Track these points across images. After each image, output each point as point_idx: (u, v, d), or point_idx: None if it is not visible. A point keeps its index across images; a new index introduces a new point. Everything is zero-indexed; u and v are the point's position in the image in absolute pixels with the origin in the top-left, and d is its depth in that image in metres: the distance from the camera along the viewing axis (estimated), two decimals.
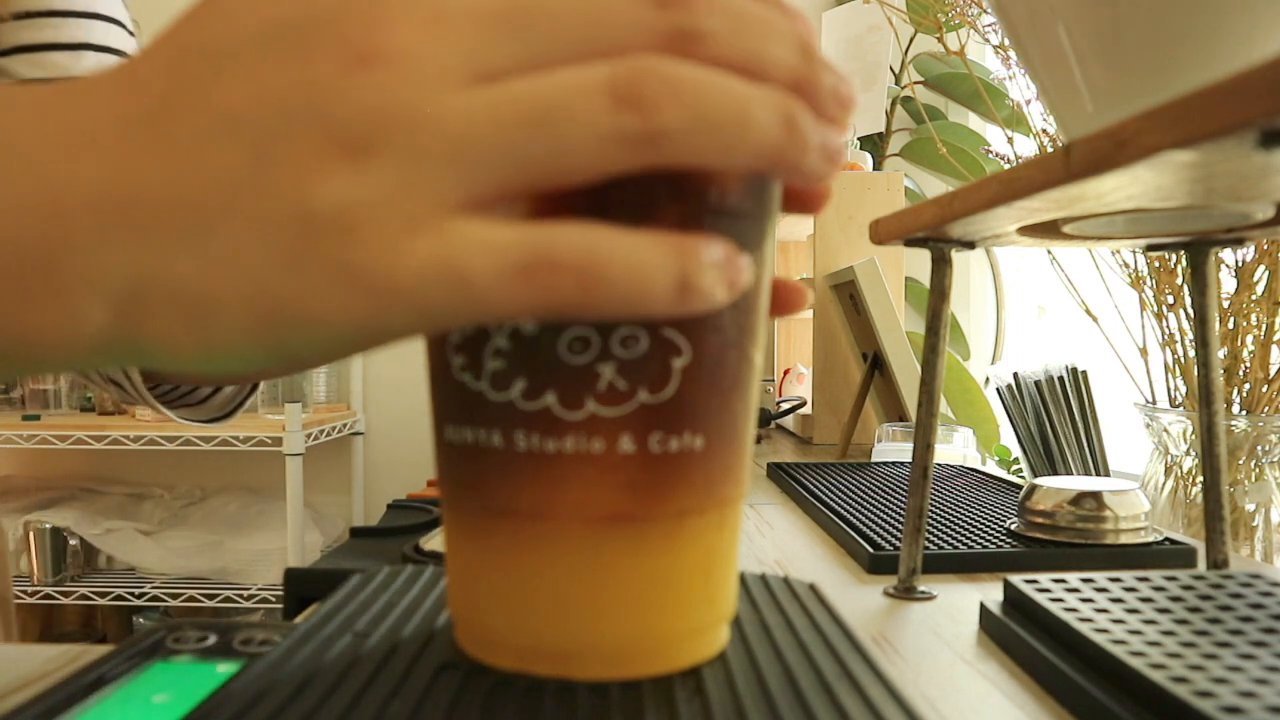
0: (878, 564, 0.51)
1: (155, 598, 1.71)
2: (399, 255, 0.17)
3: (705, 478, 0.23)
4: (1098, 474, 0.96)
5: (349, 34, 0.17)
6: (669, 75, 0.17)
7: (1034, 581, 0.39)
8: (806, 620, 0.29)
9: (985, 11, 0.87)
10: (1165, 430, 0.74)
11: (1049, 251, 0.87)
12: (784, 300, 0.25)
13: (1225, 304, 0.70)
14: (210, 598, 1.71)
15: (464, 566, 0.24)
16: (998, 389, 1.02)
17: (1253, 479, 0.68)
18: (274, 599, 1.73)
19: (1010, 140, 0.92)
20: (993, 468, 1.01)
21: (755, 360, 0.24)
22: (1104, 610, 0.35)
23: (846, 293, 1.13)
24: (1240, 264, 0.70)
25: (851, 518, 0.60)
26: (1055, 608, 0.36)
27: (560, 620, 0.23)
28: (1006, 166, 0.78)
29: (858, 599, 0.46)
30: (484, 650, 0.24)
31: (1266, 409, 0.69)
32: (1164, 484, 0.74)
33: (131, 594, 1.71)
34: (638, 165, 0.17)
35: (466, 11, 0.18)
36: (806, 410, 1.26)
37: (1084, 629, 0.33)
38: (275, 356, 0.18)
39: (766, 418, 1.07)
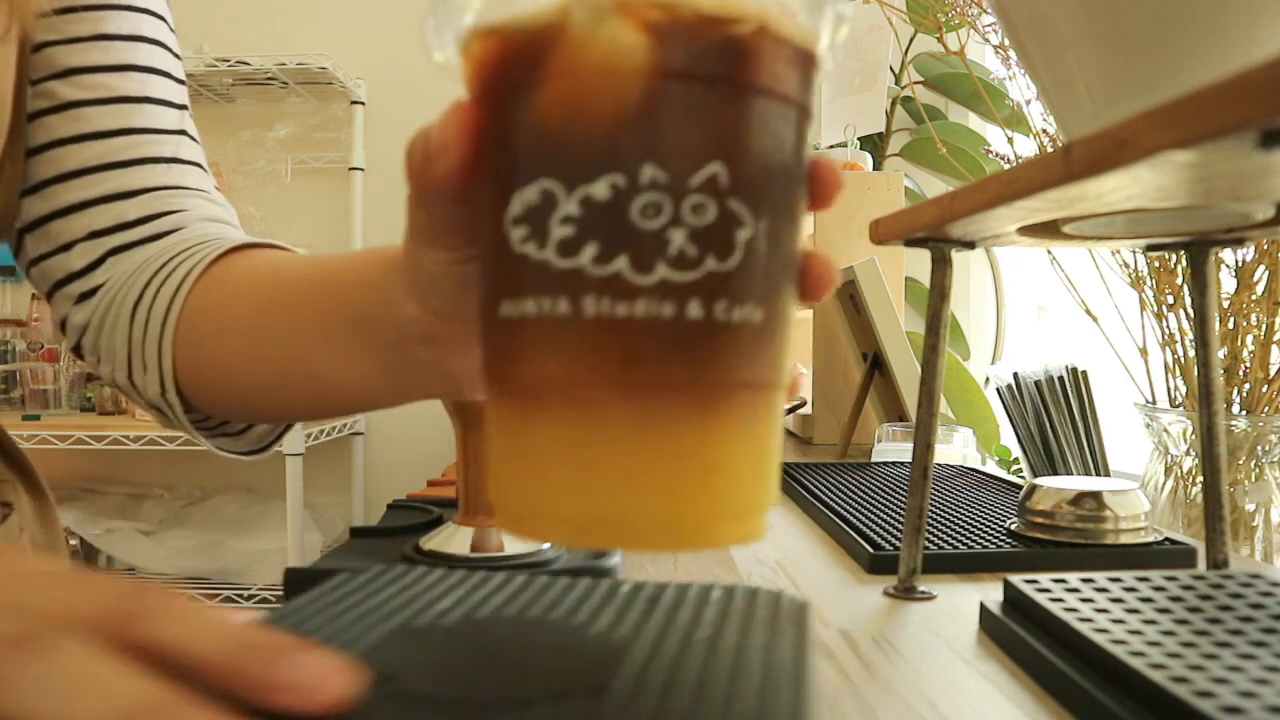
0: (878, 564, 0.51)
1: None
2: None
3: (763, 352, 0.24)
4: (1098, 474, 0.96)
5: None
6: None
7: (1034, 581, 0.39)
8: (762, 652, 0.27)
9: (985, 11, 0.87)
10: (1165, 430, 0.74)
11: (1049, 251, 0.87)
12: (813, 281, 0.26)
13: (1225, 304, 0.70)
14: (210, 598, 1.71)
15: (517, 447, 0.24)
16: (998, 389, 1.02)
17: (1253, 479, 0.68)
18: (274, 599, 1.73)
19: (1010, 140, 0.92)
20: (993, 468, 1.01)
21: (798, 250, 0.25)
22: (1104, 610, 0.35)
23: (846, 293, 1.13)
24: (1240, 264, 0.70)
25: (851, 518, 0.60)
26: (1055, 608, 0.36)
27: (624, 491, 0.23)
28: (1006, 166, 0.78)
29: (858, 599, 0.46)
30: (539, 527, 0.24)
31: (1266, 409, 0.69)
32: (1164, 484, 0.74)
33: None
34: None
35: None
36: (806, 410, 1.26)
37: (1084, 629, 0.33)
38: None
39: None
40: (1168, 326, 0.76)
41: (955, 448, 0.88)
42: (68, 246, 0.49)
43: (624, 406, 0.22)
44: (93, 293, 0.49)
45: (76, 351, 0.51)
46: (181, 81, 0.54)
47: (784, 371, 0.25)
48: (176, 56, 0.55)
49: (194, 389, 0.46)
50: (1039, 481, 0.55)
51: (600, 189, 0.22)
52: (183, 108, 0.54)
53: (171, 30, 0.55)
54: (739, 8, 0.22)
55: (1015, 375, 1.00)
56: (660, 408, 0.23)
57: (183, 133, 0.53)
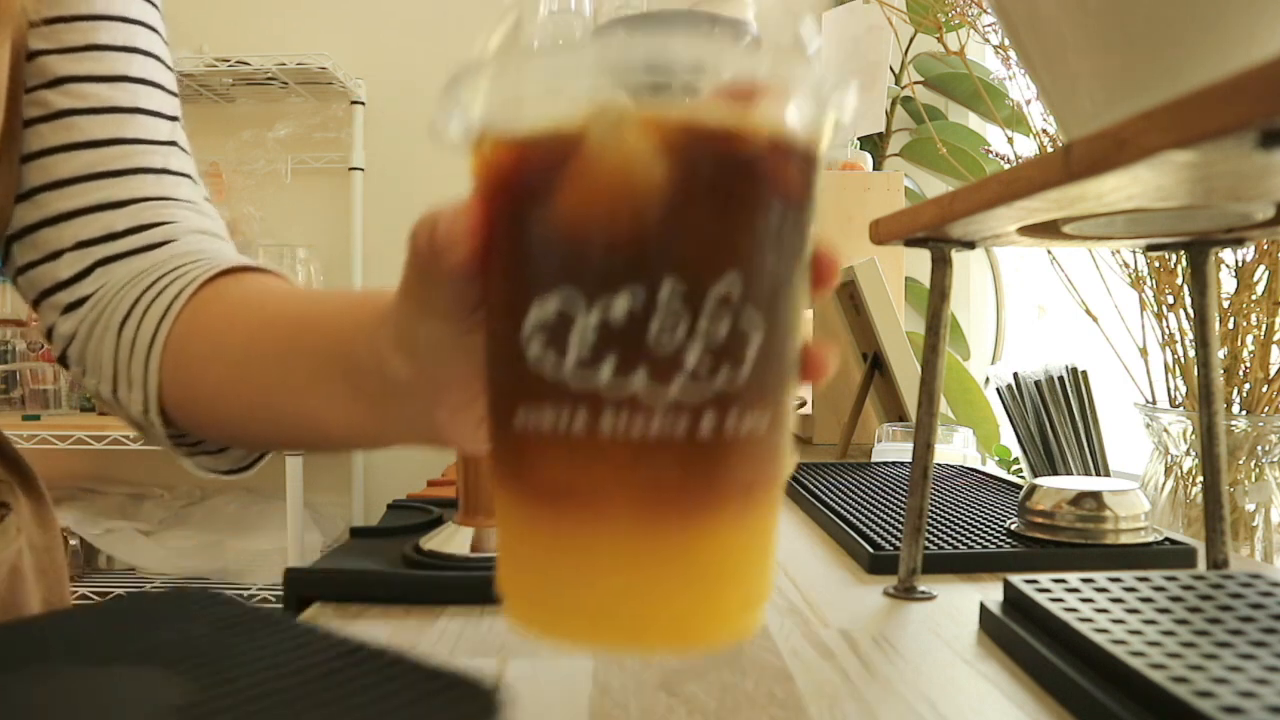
0: (878, 564, 0.51)
1: None
2: None
3: (768, 453, 0.24)
4: (1098, 474, 0.96)
5: None
6: None
7: (1034, 581, 0.39)
8: None
9: (985, 11, 0.87)
10: (1165, 430, 0.74)
11: (1049, 251, 0.87)
12: (811, 369, 0.27)
13: (1225, 304, 0.70)
14: None
15: (527, 543, 0.24)
16: (998, 389, 1.02)
17: (1253, 479, 0.68)
18: (274, 599, 1.73)
19: (1010, 140, 0.92)
20: (993, 468, 1.01)
21: (799, 344, 0.25)
22: (1104, 610, 0.35)
23: (846, 293, 1.13)
24: (1240, 264, 0.70)
25: (851, 518, 0.60)
26: (1055, 608, 0.36)
27: (631, 592, 0.23)
28: (1006, 166, 0.78)
29: (858, 599, 0.46)
30: (545, 622, 0.25)
31: (1266, 409, 0.69)
32: (1164, 484, 0.74)
33: (132, 594, 1.71)
34: None
35: None
36: (806, 410, 1.26)
37: (1084, 629, 0.33)
38: None
39: None
40: (1168, 326, 0.76)
41: (955, 448, 0.88)
42: (56, 255, 0.49)
43: (635, 513, 0.23)
44: (80, 303, 0.49)
45: (62, 360, 0.51)
46: (173, 94, 0.55)
47: (785, 465, 0.25)
48: (169, 69, 0.55)
49: (179, 410, 0.46)
50: (1039, 481, 0.55)
51: (619, 305, 0.22)
52: (174, 119, 0.54)
53: (165, 43, 0.55)
54: (753, 119, 0.23)
55: (1015, 375, 1.00)
56: (671, 514, 0.23)
57: (174, 144, 0.53)
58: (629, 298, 0.22)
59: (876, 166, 1.68)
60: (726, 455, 0.23)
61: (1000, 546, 0.52)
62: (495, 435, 0.25)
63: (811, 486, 0.72)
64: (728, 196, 0.22)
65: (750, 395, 0.23)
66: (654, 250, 0.22)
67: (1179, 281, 0.74)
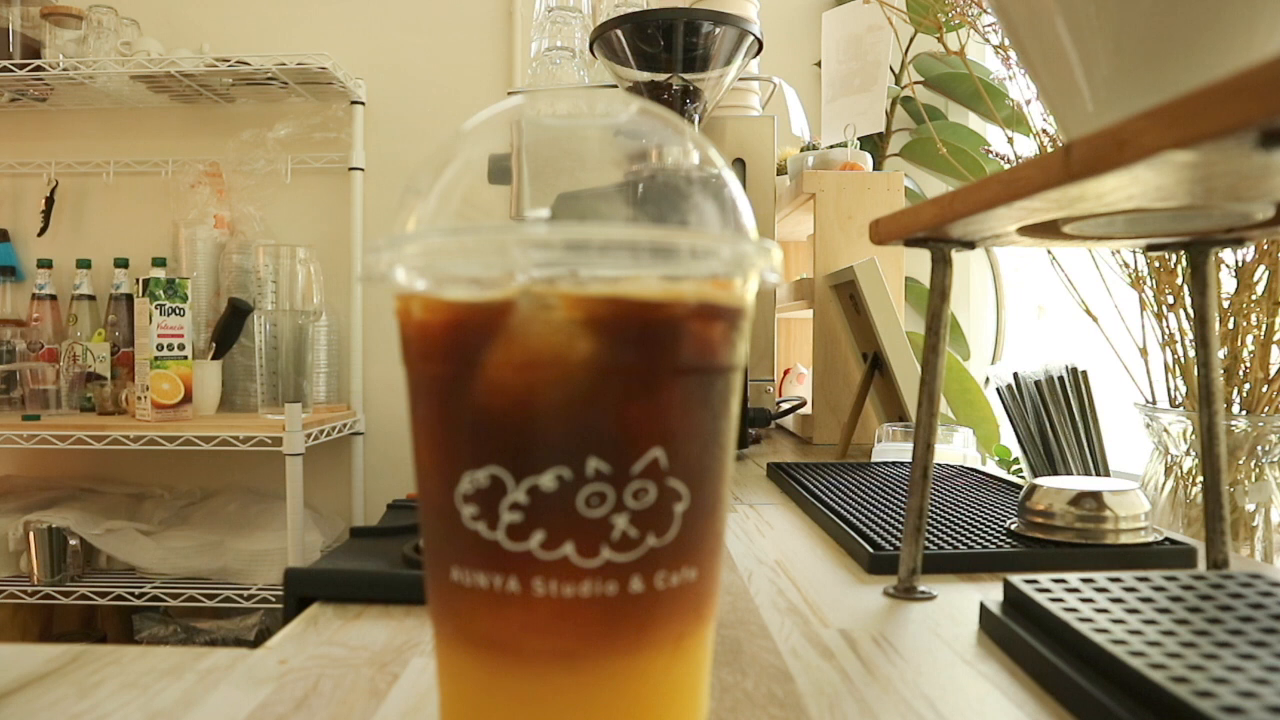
0: (878, 564, 0.51)
1: (155, 598, 1.71)
2: None
3: (697, 603, 0.25)
4: (1098, 474, 0.96)
5: None
6: None
7: (1034, 581, 0.39)
8: None
9: (985, 11, 0.87)
10: (1165, 430, 0.74)
11: (1049, 251, 0.87)
12: None
13: (1225, 304, 0.70)
14: (210, 597, 1.71)
15: (469, 694, 0.25)
16: (998, 389, 1.02)
17: (1253, 479, 0.68)
18: (274, 599, 1.73)
19: (1010, 140, 0.92)
20: (993, 468, 1.01)
21: (727, 493, 0.26)
22: (1104, 610, 0.35)
23: (846, 293, 1.13)
24: (1240, 264, 0.70)
25: (851, 518, 0.60)
26: (1055, 608, 0.36)
27: None
28: (1006, 166, 0.78)
29: (858, 599, 0.46)
30: None
31: (1266, 409, 0.69)
32: (1164, 484, 0.74)
33: (131, 594, 1.71)
34: None
35: None
36: (806, 410, 1.26)
37: (1084, 629, 0.33)
38: None
39: (766, 418, 1.07)
40: (1168, 326, 0.76)
41: (955, 448, 0.88)
42: None
43: (567, 662, 0.23)
44: None
45: None
46: None
47: (716, 603, 0.26)
48: None
49: None
50: (1039, 481, 0.55)
51: (547, 480, 0.22)
52: None
53: None
54: (678, 292, 0.23)
55: (1015, 375, 1.00)
56: (603, 663, 0.24)
57: None
58: (556, 476, 0.22)
59: (876, 166, 1.68)
60: (657, 607, 0.24)
61: (1000, 546, 0.52)
62: (432, 585, 0.25)
63: (811, 486, 0.72)
64: (655, 370, 0.23)
65: (678, 555, 0.24)
66: (579, 428, 0.22)
67: (1179, 281, 0.74)
